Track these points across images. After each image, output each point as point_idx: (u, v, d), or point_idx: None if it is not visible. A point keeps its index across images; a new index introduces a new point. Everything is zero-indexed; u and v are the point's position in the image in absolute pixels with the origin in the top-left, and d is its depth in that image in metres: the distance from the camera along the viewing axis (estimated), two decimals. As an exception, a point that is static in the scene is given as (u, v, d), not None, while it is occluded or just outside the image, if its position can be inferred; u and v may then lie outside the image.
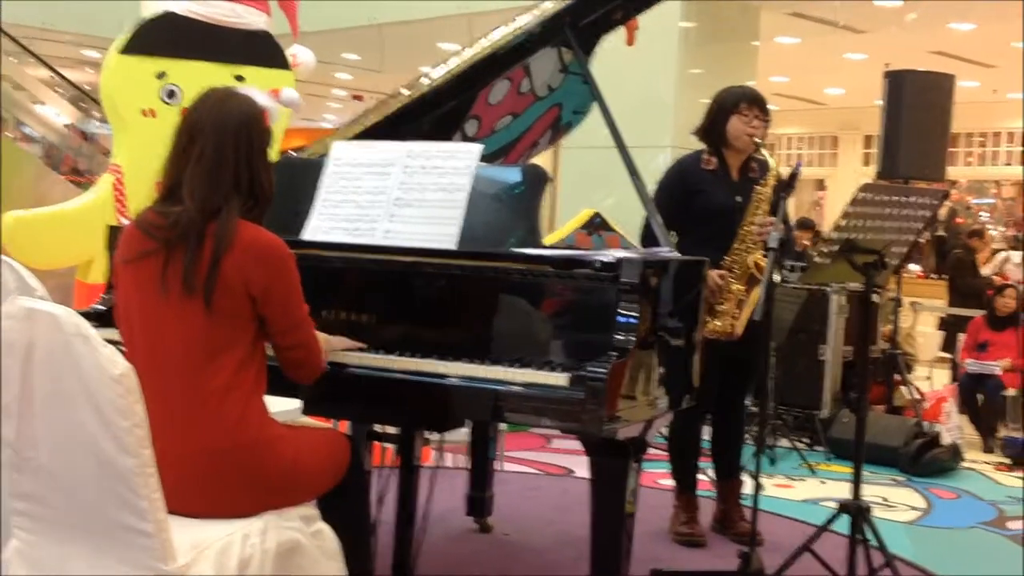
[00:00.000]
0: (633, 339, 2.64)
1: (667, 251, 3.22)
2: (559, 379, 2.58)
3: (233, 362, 2.43)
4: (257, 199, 2.54)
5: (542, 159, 4.65)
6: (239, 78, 5.10)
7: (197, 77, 5.05)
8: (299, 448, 2.52)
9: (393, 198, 2.99)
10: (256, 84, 5.04)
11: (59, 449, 2.19)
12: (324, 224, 3.04)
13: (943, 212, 14.65)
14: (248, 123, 2.55)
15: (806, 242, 10.26)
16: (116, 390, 2.08)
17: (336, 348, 2.79)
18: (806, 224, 10.90)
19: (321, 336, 2.69)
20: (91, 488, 2.17)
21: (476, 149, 2.97)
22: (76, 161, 9.41)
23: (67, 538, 2.25)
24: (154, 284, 2.45)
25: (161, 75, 5.05)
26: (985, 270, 9.83)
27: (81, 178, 9.40)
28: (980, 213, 17.14)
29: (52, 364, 2.14)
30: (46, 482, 2.23)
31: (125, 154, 5.15)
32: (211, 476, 2.39)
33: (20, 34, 9.02)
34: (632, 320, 2.66)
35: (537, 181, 2.97)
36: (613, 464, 2.79)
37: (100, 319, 3.10)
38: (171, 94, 5.07)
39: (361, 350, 2.83)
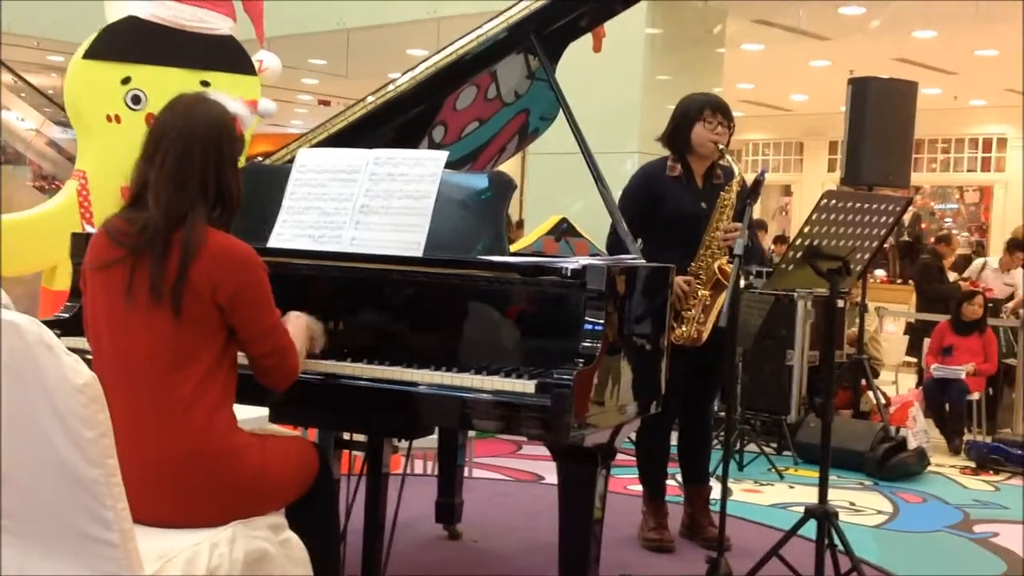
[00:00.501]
0: (599, 346, 2.65)
1: (633, 258, 3.23)
2: (526, 386, 2.58)
3: (200, 370, 2.42)
4: (225, 205, 2.53)
5: (509, 164, 4.65)
6: (205, 83, 5.06)
7: (162, 82, 5.02)
8: (266, 457, 2.51)
9: (359, 205, 2.98)
10: (222, 89, 5.00)
11: (22, 459, 2.16)
12: (288, 231, 3.03)
13: (907, 217, 14.80)
14: (218, 129, 2.53)
15: (772, 245, 10.34)
16: (80, 400, 2.06)
17: (316, 333, 2.79)
18: (760, 225, 10.96)
19: (303, 320, 2.69)
20: (55, 498, 2.15)
21: (442, 156, 2.97)
22: (41, 167, 9.33)
23: (31, 548, 2.22)
24: (121, 291, 2.43)
25: (126, 80, 5.01)
26: (958, 274, 9.92)
27: (46, 183, 9.32)
28: (944, 219, 17.31)
29: (15, 374, 2.12)
30: (9, 493, 2.20)
31: (90, 160, 5.10)
32: (177, 484, 2.37)
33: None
34: (598, 327, 2.67)
35: (503, 188, 2.98)
36: (580, 471, 2.80)
37: (64, 327, 3.08)
38: (136, 99, 5.03)
39: (327, 357, 2.81)
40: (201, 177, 2.48)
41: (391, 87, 3.50)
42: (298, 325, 2.72)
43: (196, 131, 2.49)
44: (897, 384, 8.66)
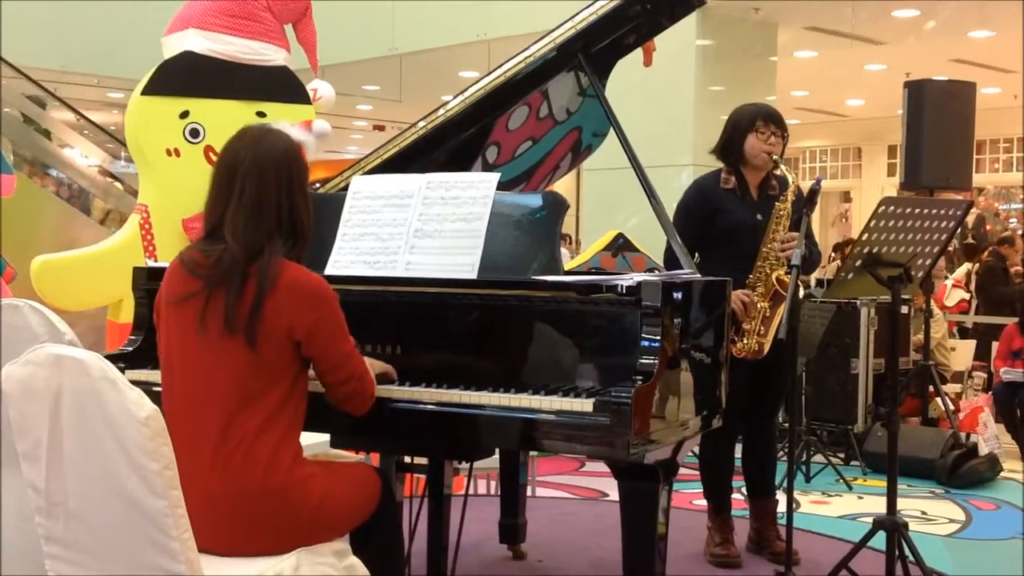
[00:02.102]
0: (657, 362, 2.64)
1: (688, 272, 3.21)
2: (584, 405, 2.58)
3: (269, 405, 2.44)
4: (298, 237, 2.55)
5: (564, 181, 4.66)
6: (261, 114, 5.13)
7: (220, 115, 5.10)
8: (330, 486, 2.52)
9: (413, 230, 3.00)
10: (279, 119, 5.08)
11: (89, 493, 2.20)
12: (345, 258, 3.05)
13: (971, 220, 14.55)
14: (288, 159, 2.55)
15: (832, 252, 10.21)
16: (143, 433, 2.10)
17: (376, 372, 2.79)
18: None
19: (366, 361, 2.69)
20: (122, 531, 2.18)
21: (494, 178, 2.98)
22: (105, 202, 9.51)
23: (100, 581, 2.26)
24: (194, 324, 2.46)
25: (184, 114, 5.10)
26: None
27: (109, 218, 9.51)
28: (1009, 219, 16.99)
29: (80, 409, 2.16)
30: (77, 526, 2.24)
31: (151, 194, 5.19)
32: (241, 516, 2.39)
33: (43, 77, 9.14)
34: (655, 343, 2.66)
35: (556, 207, 2.98)
36: (642, 487, 2.78)
37: (128, 360, 3.13)
38: (194, 133, 5.12)
39: (389, 382, 2.83)
40: (276, 209, 2.50)
41: (442, 110, 3.53)
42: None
43: (269, 162, 2.52)
44: (965, 390, 8.50)
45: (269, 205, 2.49)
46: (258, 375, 2.43)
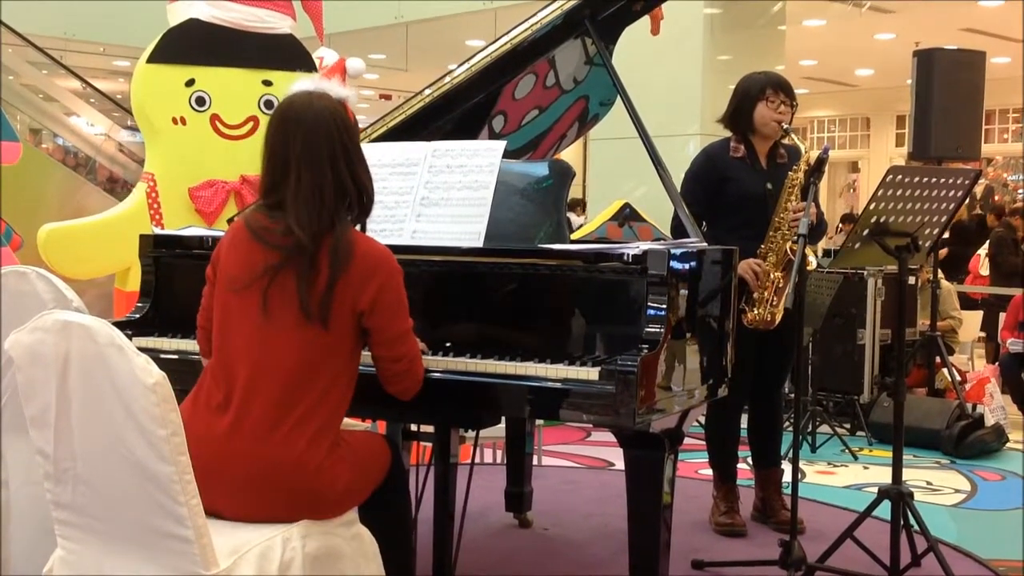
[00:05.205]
0: (663, 331, 2.64)
1: (695, 241, 3.20)
2: (590, 373, 2.58)
3: (324, 381, 2.42)
4: (362, 204, 2.53)
5: (571, 150, 4.63)
6: (267, 82, 5.13)
7: (225, 83, 5.09)
8: (355, 471, 2.50)
9: (419, 198, 3.00)
10: (284, 88, 5.07)
11: (97, 459, 2.21)
12: (352, 226, 3.05)
13: (980, 190, 14.49)
14: (338, 128, 2.49)
15: (840, 224, 10.18)
16: (151, 399, 2.10)
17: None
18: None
19: None
20: (130, 496, 2.19)
21: (499, 146, 2.98)
22: (111, 171, 9.52)
23: (108, 546, 2.27)
24: (258, 304, 2.42)
25: (190, 82, 5.09)
26: None
27: (117, 187, 9.50)
28: (1018, 190, 16.92)
29: (87, 375, 2.16)
30: (85, 492, 2.25)
31: (158, 162, 5.19)
32: (269, 488, 2.38)
33: (49, 45, 9.12)
34: (661, 312, 2.66)
35: (563, 176, 2.98)
36: (647, 456, 2.79)
37: (135, 327, 3.14)
38: (200, 101, 5.10)
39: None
40: (336, 183, 2.46)
41: (447, 78, 3.51)
42: None
43: (321, 139, 2.46)
44: (972, 361, 8.50)
45: (328, 187, 2.44)
46: (321, 347, 2.42)
